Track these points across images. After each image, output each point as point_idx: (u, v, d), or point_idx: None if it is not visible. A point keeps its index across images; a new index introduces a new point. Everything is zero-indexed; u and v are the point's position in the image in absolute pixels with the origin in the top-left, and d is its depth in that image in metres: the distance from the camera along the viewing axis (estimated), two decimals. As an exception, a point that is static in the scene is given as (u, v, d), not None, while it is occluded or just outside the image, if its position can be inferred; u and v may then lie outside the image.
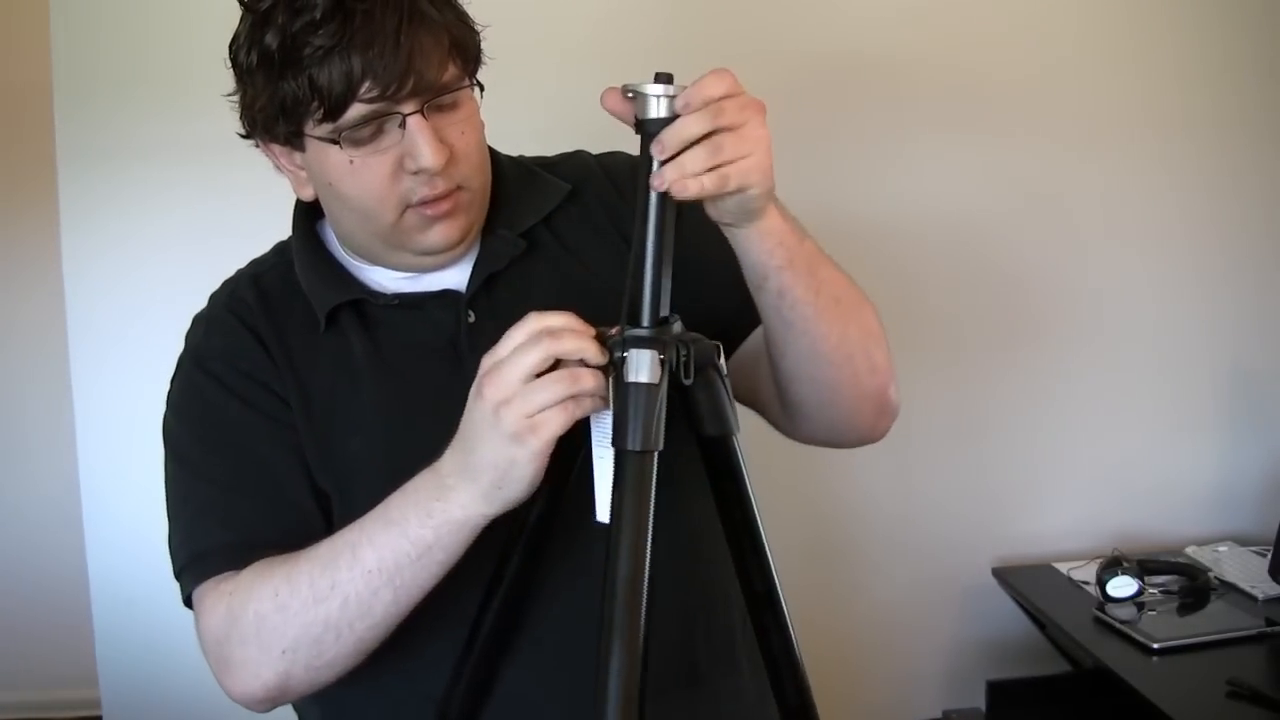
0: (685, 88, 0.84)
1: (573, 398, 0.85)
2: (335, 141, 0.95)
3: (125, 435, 1.72)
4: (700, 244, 1.04)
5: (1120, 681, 1.77)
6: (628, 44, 2.05)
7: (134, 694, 2.04)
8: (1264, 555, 2.11)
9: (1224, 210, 2.26)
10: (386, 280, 1.08)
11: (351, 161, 0.96)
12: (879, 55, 2.13)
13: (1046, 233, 2.22)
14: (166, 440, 1.07)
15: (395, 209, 0.99)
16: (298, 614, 0.95)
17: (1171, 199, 2.25)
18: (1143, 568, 2.03)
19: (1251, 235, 2.28)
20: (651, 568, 0.83)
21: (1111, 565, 2.02)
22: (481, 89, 1.01)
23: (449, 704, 0.98)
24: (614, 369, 0.85)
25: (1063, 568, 2.18)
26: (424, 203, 0.99)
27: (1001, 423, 2.27)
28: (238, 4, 0.96)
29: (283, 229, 1.14)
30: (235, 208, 1.77)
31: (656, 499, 0.84)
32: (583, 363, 0.85)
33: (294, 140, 0.98)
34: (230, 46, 0.97)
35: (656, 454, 0.84)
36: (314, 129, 0.95)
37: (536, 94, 1.88)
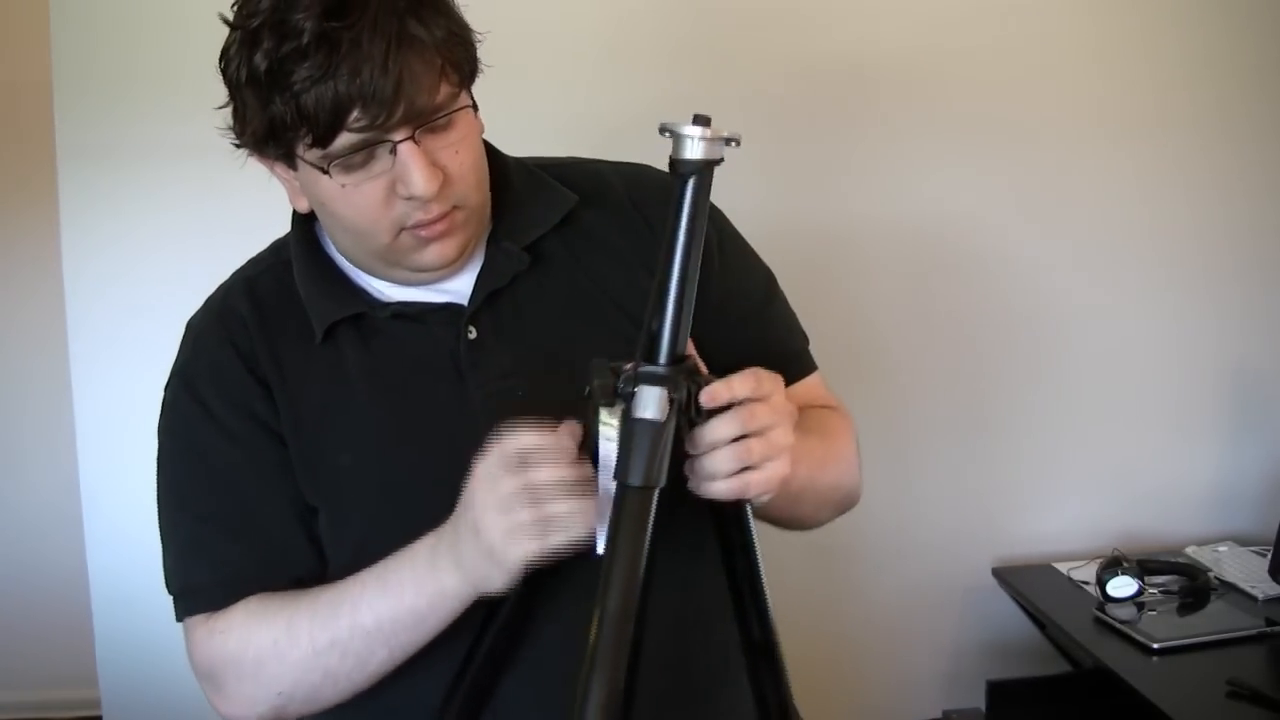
0: (722, 132, 0.84)
1: (548, 524, 0.87)
2: (325, 170, 0.94)
3: (125, 435, 1.72)
4: (732, 294, 1.09)
5: (1120, 681, 1.77)
6: (639, 48, 2.05)
7: (134, 694, 2.04)
8: (1264, 555, 2.11)
9: (1225, 211, 2.26)
10: (387, 288, 1.06)
11: (343, 186, 0.95)
12: (885, 59, 2.12)
13: (1048, 233, 2.22)
14: (158, 456, 1.08)
15: (389, 232, 0.97)
16: (297, 664, 0.98)
17: (1173, 200, 2.25)
18: (1143, 568, 2.03)
19: (1252, 235, 2.28)
20: (645, 591, 0.84)
21: (1111, 565, 2.02)
22: (476, 108, 0.99)
23: (445, 716, 0.99)
24: (623, 402, 0.86)
25: (1063, 568, 2.18)
26: (419, 225, 0.97)
27: (1002, 423, 2.26)
28: (223, 22, 0.94)
29: (282, 228, 1.13)
30: (235, 207, 1.76)
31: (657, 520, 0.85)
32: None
33: (285, 159, 0.97)
34: (220, 59, 0.96)
35: (657, 491, 0.85)
36: (304, 153, 0.94)
37: (547, 95, 1.89)
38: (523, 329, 1.05)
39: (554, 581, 0.95)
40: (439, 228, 0.98)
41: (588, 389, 0.88)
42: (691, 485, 0.90)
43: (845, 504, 1.18)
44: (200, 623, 1.03)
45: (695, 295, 0.87)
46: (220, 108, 0.97)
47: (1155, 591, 2.04)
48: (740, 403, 0.88)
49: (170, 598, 1.06)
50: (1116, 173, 2.23)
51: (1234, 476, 2.33)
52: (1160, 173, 2.24)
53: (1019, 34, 2.17)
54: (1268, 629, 1.90)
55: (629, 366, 0.87)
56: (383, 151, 0.93)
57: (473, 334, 1.03)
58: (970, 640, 2.30)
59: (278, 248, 1.12)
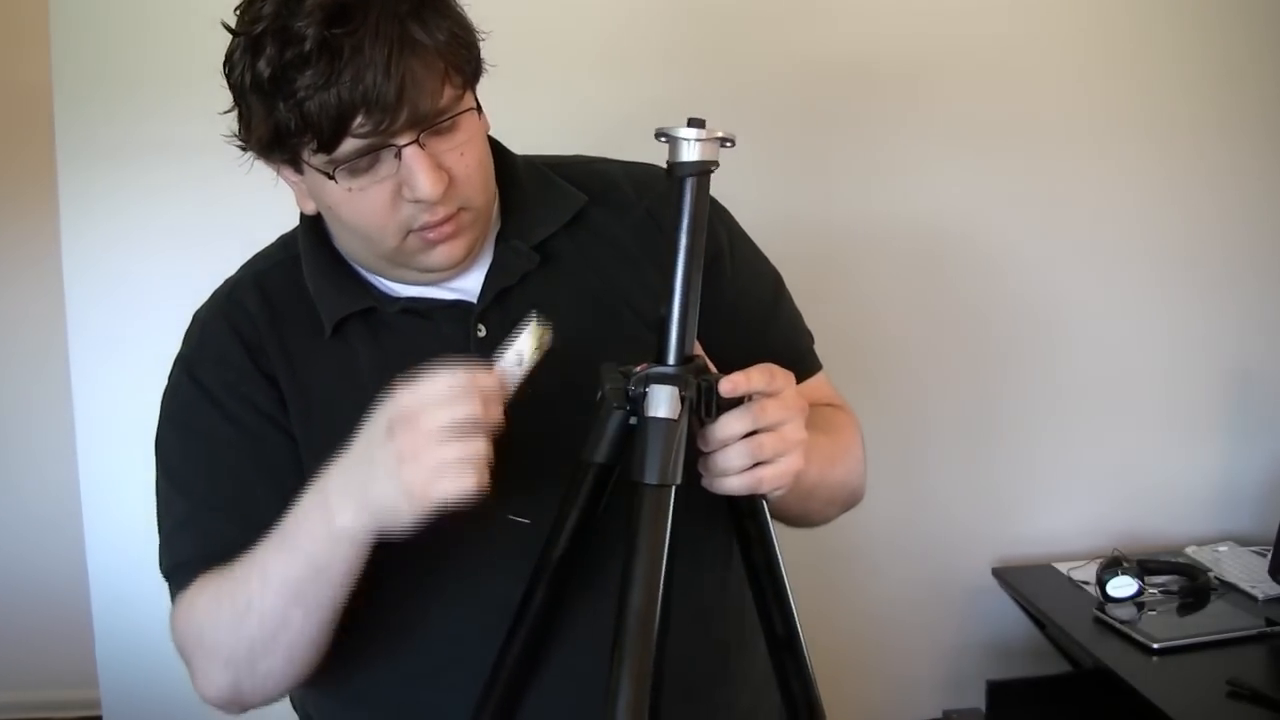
0: (717, 133, 0.85)
1: (473, 465, 0.84)
2: (330, 175, 0.94)
3: (125, 435, 1.72)
4: (742, 295, 1.09)
5: (1120, 681, 1.77)
6: (640, 47, 2.05)
7: (134, 694, 2.04)
8: (1264, 555, 2.11)
9: (1226, 211, 2.26)
10: (396, 285, 1.06)
11: (349, 190, 0.95)
12: (886, 58, 2.12)
13: (1048, 233, 2.22)
14: (156, 444, 1.08)
15: (396, 234, 0.98)
16: (228, 630, 0.97)
17: (1173, 200, 2.25)
18: (1143, 568, 2.03)
19: (1253, 236, 2.28)
20: (667, 589, 0.85)
21: (1111, 565, 2.02)
22: (480, 110, 0.99)
23: None
24: (634, 404, 0.87)
25: (1063, 568, 2.18)
26: (425, 228, 0.97)
27: (1002, 423, 2.26)
28: (225, 29, 0.94)
29: (283, 228, 1.13)
30: (236, 207, 1.77)
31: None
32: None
33: (291, 164, 0.97)
34: (224, 64, 0.96)
35: (674, 488, 0.85)
36: (309, 158, 0.94)
37: (547, 94, 1.89)
38: None
39: (577, 587, 0.95)
40: (446, 230, 0.98)
41: (599, 393, 0.88)
42: (705, 482, 0.90)
43: (851, 501, 1.19)
44: (179, 601, 1.02)
45: (700, 294, 0.87)
46: (225, 112, 0.98)
47: (1155, 591, 2.04)
48: (753, 397, 0.89)
49: (165, 585, 1.05)
50: (1116, 173, 2.23)
51: (1234, 476, 2.33)
52: (1160, 173, 2.24)
53: (1020, 34, 2.17)
54: (1268, 629, 1.90)
55: (639, 369, 0.88)
56: (387, 155, 0.93)
57: (482, 332, 1.04)
58: (970, 640, 2.30)
59: (285, 243, 1.12)
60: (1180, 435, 2.31)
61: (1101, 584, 2.00)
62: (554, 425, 0.93)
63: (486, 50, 1.00)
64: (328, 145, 0.91)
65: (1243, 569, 2.11)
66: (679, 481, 0.86)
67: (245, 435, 1.03)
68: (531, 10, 1.97)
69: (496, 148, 1.07)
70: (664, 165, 1.05)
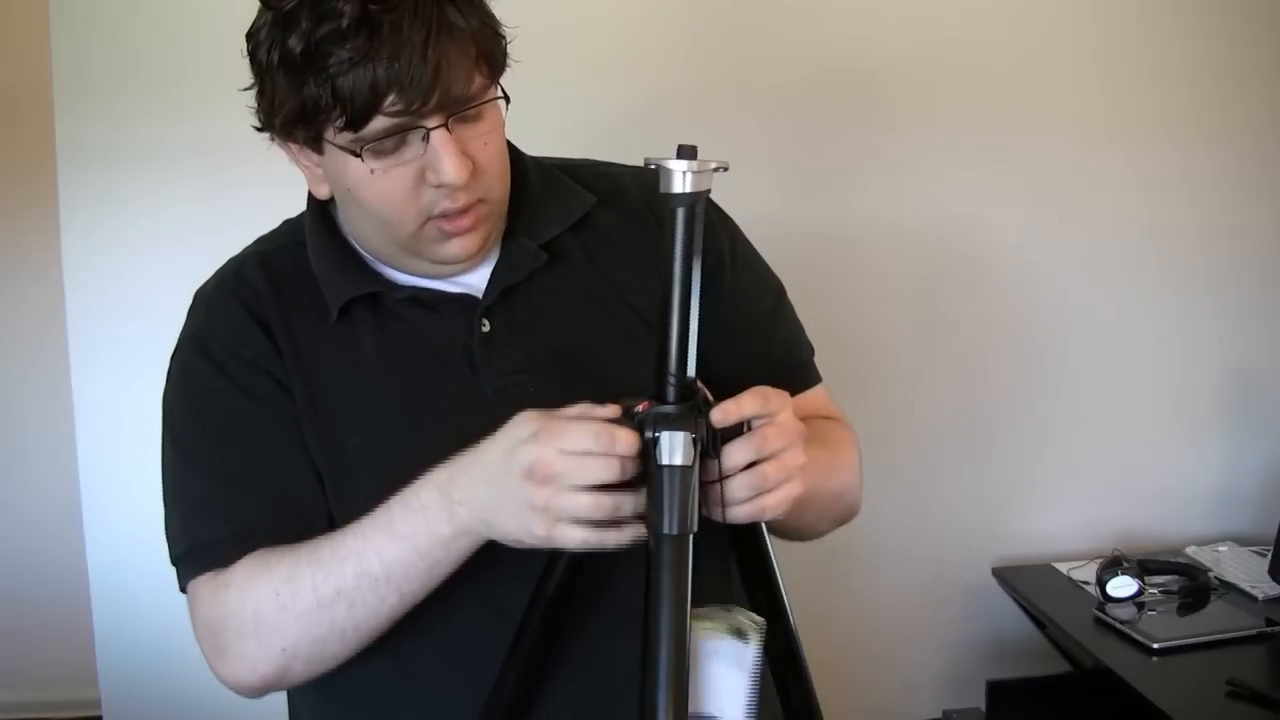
0: (709, 164, 0.84)
1: (602, 534, 0.86)
2: (356, 153, 0.93)
3: (125, 434, 1.72)
4: (743, 305, 1.09)
5: (1120, 681, 1.77)
6: (644, 48, 2.05)
7: (134, 694, 2.04)
8: (1264, 555, 2.11)
9: (1226, 211, 2.26)
10: (402, 275, 1.06)
11: (372, 171, 0.95)
12: (889, 60, 2.12)
13: (1048, 234, 2.22)
14: (165, 421, 1.06)
15: (415, 220, 0.97)
16: (301, 616, 0.96)
17: (1172, 201, 2.25)
18: (1143, 568, 2.03)
19: (1252, 235, 2.28)
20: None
21: (1111, 565, 2.02)
22: (508, 99, 0.99)
23: None
24: (646, 447, 0.86)
25: (1063, 568, 2.18)
26: (444, 216, 0.97)
27: (1002, 423, 2.26)
28: (259, 2, 0.94)
29: (284, 227, 1.13)
30: (235, 206, 1.77)
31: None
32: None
33: (313, 143, 0.96)
34: (248, 40, 0.95)
35: (691, 536, 0.84)
36: (334, 136, 0.93)
37: (557, 96, 1.89)
38: (536, 325, 1.05)
39: (574, 623, 0.96)
40: (464, 223, 0.98)
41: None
42: (707, 511, 0.89)
43: (846, 516, 1.19)
44: (206, 581, 1.00)
45: (701, 308, 0.86)
46: (245, 89, 0.97)
47: (1155, 591, 2.04)
48: (749, 422, 0.88)
49: (174, 581, 1.04)
50: (1116, 174, 2.23)
51: (1234, 476, 2.33)
52: (1159, 174, 2.24)
53: (1021, 37, 2.17)
54: (1268, 629, 1.90)
55: (640, 408, 0.86)
56: (415, 138, 0.93)
57: (486, 327, 1.04)
58: (970, 640, 2.30)
59: (290, 228, 1.12)
60: (1180, 435, 2.31)
61: (1101, 584, 2.00)
62: None
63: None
64: (356, 123, 0.91)
65: (1243, 569, 2.11)
66: (696, 529, 0.84)
67: (264, 407, 1.02)
68: (535, 11, 1.97)
69: (507, 146, 1.07)
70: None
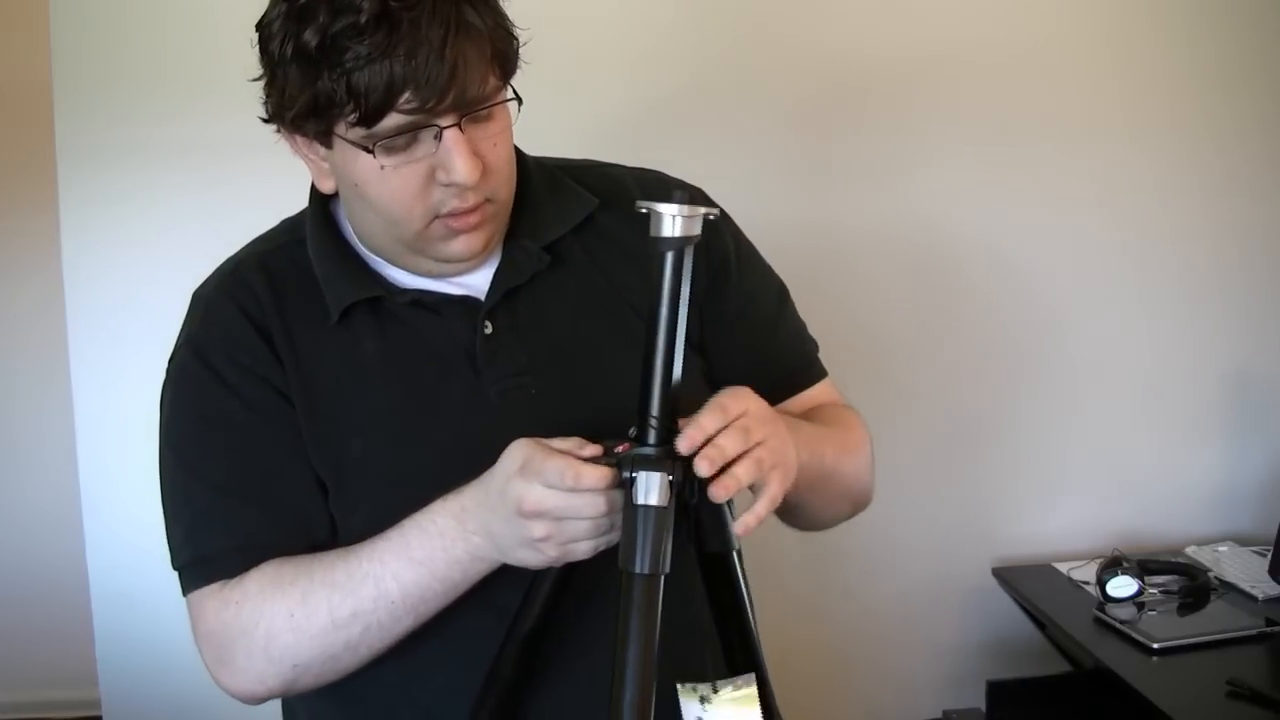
0: (697, 208, 0.85)
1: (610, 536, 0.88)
2: (368, 149, 0.93)
3: (125, 434, 1.72)
4: (746, 305, 1.10)
5: (1120, 681, 1.77)
6: (647, 51, 2.05)
7: (134, 694, 2.04)
8: (1264, 555, 2.11)
9: (1226, 211, 2.26)
10: (404, 276, 1.05)
11: (383, 168, 0.94)
12: (891, 63, 2.12)
13: (1048, 234, 2.22)
14: (163, 430, 1.06)
15: (423, 218, 0.97)
16: (316, 637, 0.97)
17: (1172, 201, 2.25)
18: (1143, 568, 2.03)
19: (1253, 236, 2.28)
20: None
21: (1111, 565, 2.02)
22: (520, 101, 0.99)
23: None
24: (622, 487, 0.86)
25: (1063, 568, 2.18)
26: (452, 214, 0.97)
27: (1002, 423, 2.26)
28: None
29: (283, 226, 1.13)
30: (235, 206, 1.77)
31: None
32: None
33: (322, 137, 0.96)
34: (259, 31, 0.94)
35: (662, 578, 0.85)
36: (345, 131, 0.93)
37: (553, 95, 1.88)
38: (538, 327, 1.05)
39: (553, 649, 0.96)
40: (471, 219, 0.98)
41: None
42: (721, 497, 0.89)
43: (860, 499, 1.19)
44: (212, 593, 1.00)
45: (682, 368, 0.87)
46: (255, 80, 0.96)
47: (1155, 591, 2.04)
48: (720, 432, 0.88)
49: (174, 581, 1.04)
50: (1117, 175, 2.23)
51: (1234, 476, 2.33)
52: (1159, 174, 2.24)
53: (1019, 37, 2.17)
54: (1268, 629, 1.90)
55: (620, 448, 0.87)
56: (427, 136, 0.93)
57: (488, 329, 1.03)
58: (970, 640, 2.30)
59: (290, 226, 1.11)
60: (1180, 435, 2.31)
61: (1101, 584, 2.00)
62: (557, 427, 0.93)
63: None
64: (370, 119, 0.91)
65: (1243, 569, 2.11)
66: (668, 570, 0.85)
67: (263, 418, 1.02)
68: (538, 11, 1.97)
69: None
70: (660, 167, 1.04)
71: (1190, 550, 2.22)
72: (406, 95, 0.89)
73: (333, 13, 0.88)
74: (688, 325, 0.88)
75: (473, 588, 0.97)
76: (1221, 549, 2.20)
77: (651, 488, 0.85)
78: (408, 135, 0.92)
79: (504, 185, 1.00)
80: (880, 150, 2.15)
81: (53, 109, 1.94)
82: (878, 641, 2.28)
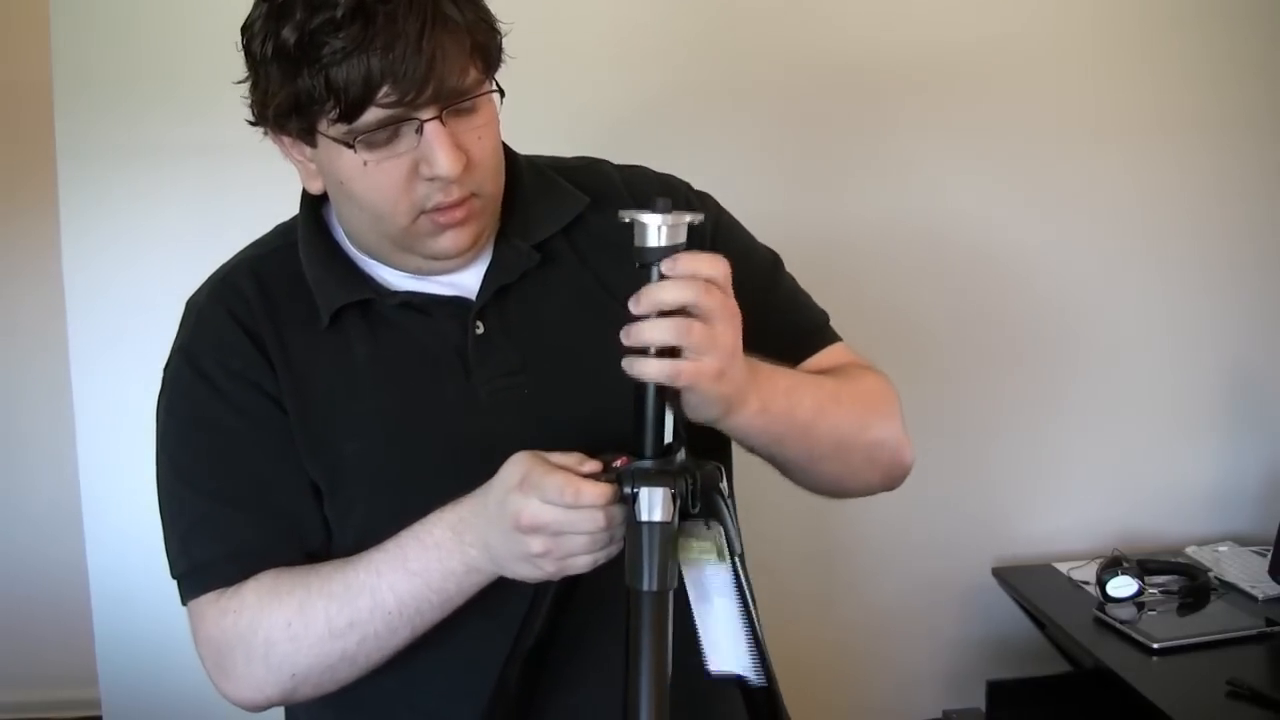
0: (681, 215, 0.84)
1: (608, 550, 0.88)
2: (349, 145, 0.93)
3: (125, 434, 1.71)
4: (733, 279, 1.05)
5: (1120, 681, 1.77)
6: (643, 45, 2.05)
7: (134, 694, 2.04)
8: (1264, 555, 2.11)
9: (1225, 211, 2.26)
10: (394, 278, 1.05)
11: (365, 164, 0.94)
12: (894, 61, 2.12)
13: (1048, 233, 2.22)
14: (159, 435, 1.06)
15: (408, 214, 0.97)
16: (313, 646, 0.97)
17: (1173, 200, 2.25)
18: (1143, 568, 2.03)
19: (1252, 235, 2.28)
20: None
21: (1111, 565, 2.02)
22: (502, 94, 0.99)
23: None
24: (624, 503, 0.85)
25: (1063, 568, 2.18)
26: (438, 209, 0.97)
27: (1002, 422, 2.26)
28: None
29: (283, 227, 1.13)
30: (235, 206, 1.77)
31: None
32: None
33: (306, 136, 0.96)
34: (243, 32, 0.94)
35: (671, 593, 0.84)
36: (328, 128, 0.93)
37: (550, 91, 1.89)
38: (529, 326, 1.05)
39: (560, 664, 0.96)
40: (457, 214, 0.98)
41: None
42: (625, 363, 0.86)
43: (888, 462, 1.12)
44: (210, 602, 1.01)
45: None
46: (239, 82, 0.96)
47: (1155, 591, 2.04)
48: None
49: (173, 582, 1.04)
50: (1116, 175, 2.23)
51: (1234, 476, 2.33)
52: (1160, 173, 2.24)
53: (1025, 35, 2.17)
54: (1268, 629, 1.90)
55: (618, 463, 0.86)
56: (408, 130, 0.93)
57: (480, 329, 1.03)
58: (970, 640, 2.30)
59: (283, 230, 1.11)
60: (1180, 435, 2.31)
61: (1101, 584, 2.00)
62: (550, 426, 0.92)
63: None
64: (350, 114, 0.91)
65: (1243, 569, 2.11)
66: (675, 585, 0.84)
67: (254, 424, 1.02)
68: (535, 9, 1.97)
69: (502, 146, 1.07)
70: (652, 165, 1.04)
71: (1190, 550, 2.22)
72: (385, 89, 0.89)
73: (310, 9, 0.88)
74: None
75: (475, 595, 0.97)
76: (1221, 549, 2.20)
77: (655, 504, 0.84)
78: (389, 130, 0.92)
79: (490, 179, 1.00)
80: (881, 150, 2.15)
81: (53, 109, 1.94)
82: (878, 641, 2.28)
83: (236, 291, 1.06)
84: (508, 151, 1.08)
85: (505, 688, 0.95)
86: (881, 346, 2.17)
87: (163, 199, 1.97)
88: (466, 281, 1.05)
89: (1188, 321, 2.28)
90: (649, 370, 0.85)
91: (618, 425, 0.89)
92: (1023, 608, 2.20)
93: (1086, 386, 2.27)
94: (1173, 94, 2.22)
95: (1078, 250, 2.24)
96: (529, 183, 1.09)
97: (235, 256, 1.11)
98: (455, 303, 1.04)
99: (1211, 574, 2.10)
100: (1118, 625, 1.92)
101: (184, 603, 1.04)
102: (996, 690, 2.09)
